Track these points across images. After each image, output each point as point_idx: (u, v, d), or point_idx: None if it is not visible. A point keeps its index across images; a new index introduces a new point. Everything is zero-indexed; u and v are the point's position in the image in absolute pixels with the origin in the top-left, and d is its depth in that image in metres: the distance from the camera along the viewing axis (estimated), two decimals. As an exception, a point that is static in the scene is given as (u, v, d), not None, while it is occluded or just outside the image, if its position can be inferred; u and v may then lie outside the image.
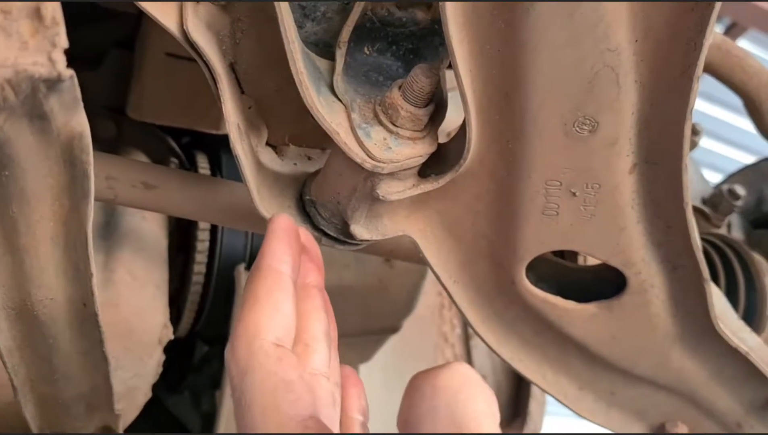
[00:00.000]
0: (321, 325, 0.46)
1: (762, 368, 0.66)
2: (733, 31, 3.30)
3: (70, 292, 0.49)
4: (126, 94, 0.89)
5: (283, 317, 0.42)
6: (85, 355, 0.55)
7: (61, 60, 0.32)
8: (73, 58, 0.99)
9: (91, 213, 0.42)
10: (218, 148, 1.04)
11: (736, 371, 0.67)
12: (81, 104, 0.36)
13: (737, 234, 0.94)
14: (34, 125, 0.35)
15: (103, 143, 0.90)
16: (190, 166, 1.00)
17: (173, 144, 0.97)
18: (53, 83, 0.32)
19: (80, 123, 0.36)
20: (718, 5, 0.42)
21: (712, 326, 0.62)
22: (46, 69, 0.32)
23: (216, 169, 1.01)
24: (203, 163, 0.98)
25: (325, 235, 0.59)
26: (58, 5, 0.33)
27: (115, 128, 0.91)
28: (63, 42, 0.32)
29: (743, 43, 3.37)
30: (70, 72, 0.33)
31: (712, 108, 3.54)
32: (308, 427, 0.36)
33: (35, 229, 0.43)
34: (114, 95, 0.92)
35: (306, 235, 0.50)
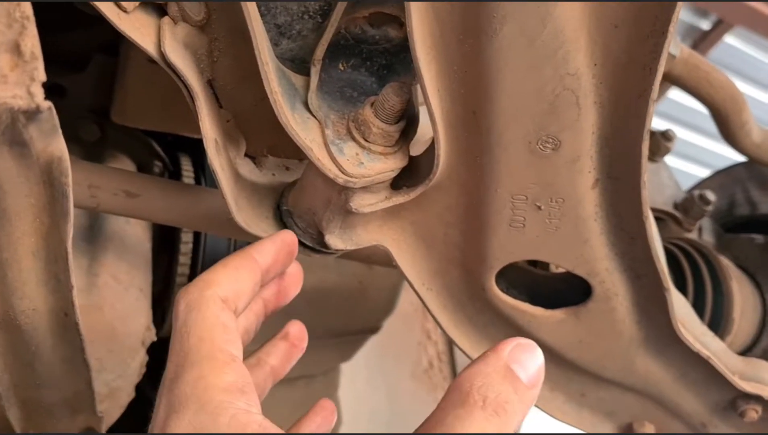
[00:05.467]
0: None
1: (723, 372, 0.68)
2: (720, 27, 3.33)
3: (52, 302, 0.50)
4: (110, 97, 0.90)
5: (239, 286, 0.47)
6: (67, 361, 0.57)
7: (39, 93, 0.34)
8: (58, 61, 1.00)
9: (71, 230, 0.44)
10: (202, 149, 1.05)
11: (699, 374, 0.70)
12: (59, 130, 0.37)
13: (708, 238, 0.97)
14: (14, 151, 0.37)
15: (87, 146, 0.92)
16: (174, 168, 1.01)
17: (157, 147, 0.98)
18: (32, 114, 0.34)
19: (59, 148, 0.38)
20: (671, 34, 0.44)
21: (675, 332, 0.64)
22: (25, 102, 0.34)
23: (199, 170, 1.02)
24: (187, 166, 1.00)
25: (301, 244, 0.61)
26: (36, 41, 0.34)
27: (100, 132, 0.92)
28: (41, 76, 0.34)
29: (730, 40, 3.40)
30: (48, 104, 0.34)
31: (696, 101, 3.57)
32: (234, 361, 0.41)
33: (17, 244, 0.45)
34: (98, 99, 0.93)
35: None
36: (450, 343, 1.51)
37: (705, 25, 3.35)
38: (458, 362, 1.49)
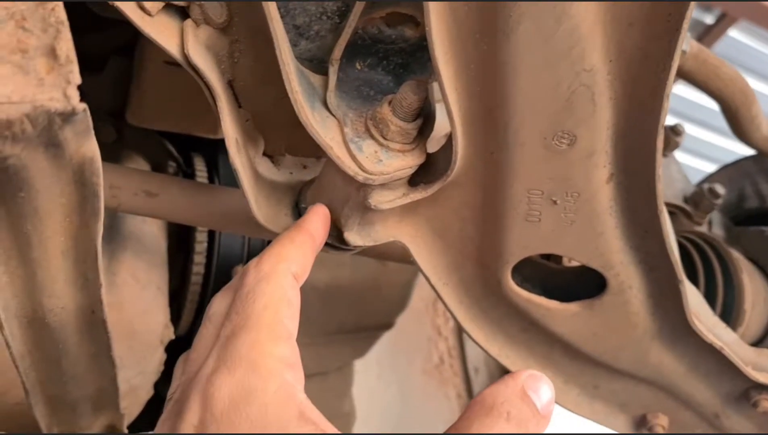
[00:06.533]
0: None
1: (736, 362, 0.69)
2: (723, 21, 3.33)
3: (80, 300, 0.52)
4: (126, 99, 0.92)
5: (306, 263, 0.50)
6: (93, 358, 0.58)
7: (75, 95, 0.35)
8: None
9: (101, 229, 0.45)
10: (215, 150, 1.07)
11: (712, 365, 0.71)
12: (92, 132, 0.38)
13: (718, 231, 0.97)
14: (48, 152, 0.38)
15: (103, 147, 0.93)
16: (188, 168, 1.02)
17: (171, 148, 1.00)
18: (68, 116, 0.35)
19: (91, 149, 0.39)
20: (685, 31, 0.45)
21: (688, 323, 0.65)
22: (62, 104, 0.35)
23: (213, 170, 1.04)
24: (200, 166, 1.01)
25: (320, 241, 0.62)
26: (71, 45, 0.35)
27: (116, 133, 0.94)
28: (76, 78, 0.35)
29: (734, 33, 3.40)
30: (83, 105, 0.35)
31: (704, 97, 3.57)
32: (291, 338, 0.43)
33: (47, 243, 0.46)
34: (114, 101, 0.94)
35: None
36: (460, 339, 1.52)
37: (709, 19, 3.35)
38: (469, 357, 1.50)
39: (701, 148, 3.79)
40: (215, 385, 0.39)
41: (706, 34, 3.36)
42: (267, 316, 0.43)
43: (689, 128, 3.68)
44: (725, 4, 3.18)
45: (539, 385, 0.44)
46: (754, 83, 3.57)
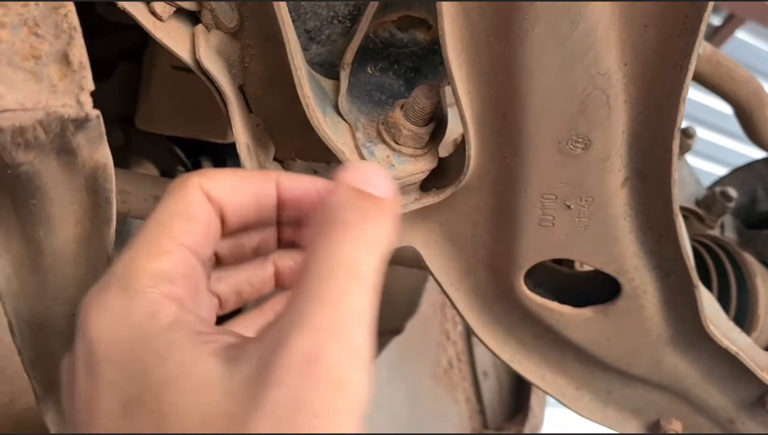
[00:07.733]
0: None
1: (751, 367, 0.68)
2: (731, 23, 3.32)
3: (91, 307, 0.51)
4: (134, 104, 0.92)
5: (239, 195, 0.42)
6: (104, 364, 0.58)
7: (88, 101, 0.35)
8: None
9: (113, 236, 0.45)
10: (223, 154, 1.06)
11: (726, 370, 0.70)
12: (105, 138, 0.38)
13: (730, 234, 0.97)
14: (61, 159, 0.38)
15: (112, 152, 0.93)
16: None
17: (180, 153, 0.99)
18: (81, 123, 0.35)
19: (104, 155, 0.39)
20: (702, 33, 0.45)
21: (703, 328, 0.64)
22: (75, 110, 0.34)
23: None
24: (209, 170, 1.01)
25: (332, 246, 0.61)
26: (84, 50, 0.35)
27: (124, 138, 0.94)
28: (89, 85, 0.35)
29: (742, 35, 3.39)
30: (96, 112, 0.35)
31: (714, 100, 3.56)
32: (179, 251, 0.38)
33: (59, 250, 0.46)
34: (123, 106, 0.94)
35: None
36: (469, 343, 1.51)
37: (716, 20, 3.34)
38: (477, 361, 1.50)
39: (712, 151, 3.78)
40: (90, 313, 0.36)
41: (714, 36, 3.35)
42: (155, 232, 0.38)
43: (699, 132, 3.66)
44: (733, 5, 3.17)
45: (368, 176, 0.39)
46: (762, 85, 3.57)
